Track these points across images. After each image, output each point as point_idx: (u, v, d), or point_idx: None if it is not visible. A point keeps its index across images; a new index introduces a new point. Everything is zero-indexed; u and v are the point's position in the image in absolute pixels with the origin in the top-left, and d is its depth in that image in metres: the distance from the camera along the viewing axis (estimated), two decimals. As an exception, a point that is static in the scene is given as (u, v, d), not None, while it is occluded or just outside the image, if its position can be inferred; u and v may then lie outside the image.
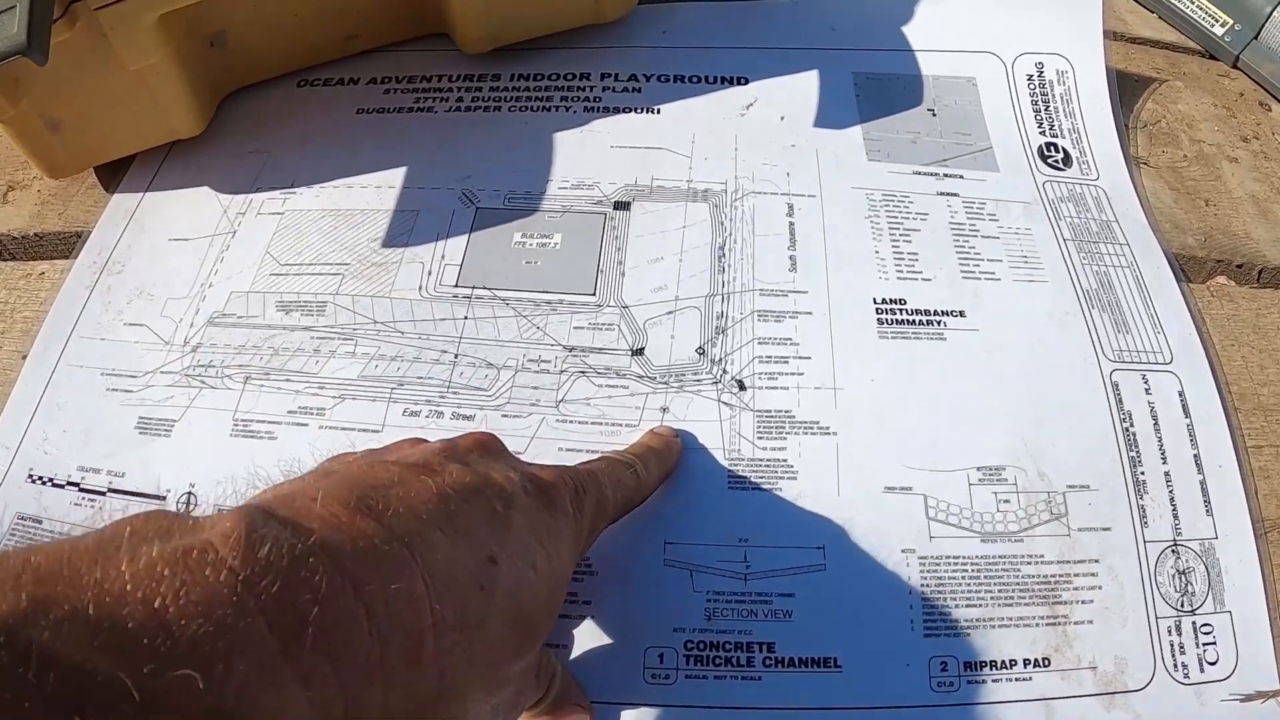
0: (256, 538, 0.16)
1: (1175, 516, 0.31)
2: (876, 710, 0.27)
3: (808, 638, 0.28)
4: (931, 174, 0.38)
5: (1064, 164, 0.39)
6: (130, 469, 0.32)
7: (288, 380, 0.33)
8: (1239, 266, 0.38)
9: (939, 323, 0.34)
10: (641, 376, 0.32)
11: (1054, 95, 0.41)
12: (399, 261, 0.35)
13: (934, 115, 0.39)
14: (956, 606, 0.29)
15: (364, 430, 0.32)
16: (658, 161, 0.38)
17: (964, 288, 0.35)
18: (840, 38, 0.42)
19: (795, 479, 0.30)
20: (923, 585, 0.29)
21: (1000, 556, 0.30)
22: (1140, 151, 0.41)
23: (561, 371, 0.33)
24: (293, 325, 0.34)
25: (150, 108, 0.38)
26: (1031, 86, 0.41)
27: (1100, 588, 0.30)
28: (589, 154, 0.39)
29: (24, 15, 0.29)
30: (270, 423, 0.32)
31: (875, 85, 0.40)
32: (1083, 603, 0.29)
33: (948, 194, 0.37)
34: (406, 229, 0.36)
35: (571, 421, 0.32)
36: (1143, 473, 0.31)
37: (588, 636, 0.28)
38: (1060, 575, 0.30)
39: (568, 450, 0.31)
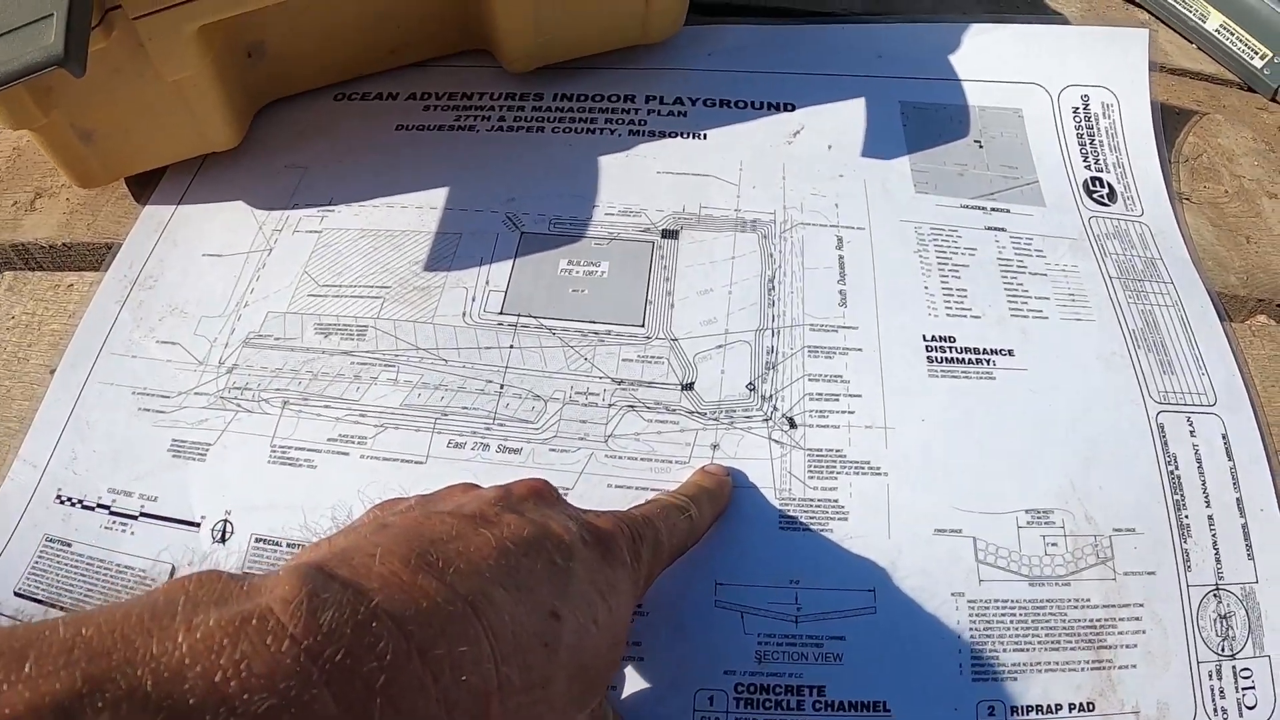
0: (318, 603, 0.15)
1: (1218, 561, 0.31)
2: (927, 756, 0.27)
3: (858, 681, 0.28)
4: (979, 208, 0.37)
5: (1109, 199, 0.38)
6: (163, 493, 0.31)
7: (327, 407, 0.32)
8: (1279, 306, 0.37)
9: (989, 361, 0.33)
10: (692, 412, 0.32)
11: (1099, 129, 0.40)
12: (442, 286, 0.34)
13: (981, 147, 0.38)
14: (1004, 650, 0.29)
15: (407, 461, 0.31)
16: (705, 189, 0.37)
17: (1012, 326, 0.34)
18: (887, 65, 0.41)
19: (846, 520, 0.30)
20: (971, 629, 0.29)
21: (1048, 600, 0.29)
22: (1182, 187, 0.40)
23: (610, 405, 0.32)
24: (332, 349, 0.33)
25: (186, 119, 0.36)
26: (1077, 119, 0.40)
27: (1144, 632, 0.29)
28: (635, 179, 0.37)
29: (61, 24, 0.27)
30: (310, 450, 0.31)
31: (922, 115, 0.39)
32: (1127, 647, 0.29)
33: (995, 229, 0.36)
34: (449, 252, 0.35)
35: (621, 457, 0.31)
36: (1186, 516, 0.31)
37: (638, 678, 0.27)
38: (1105, 620, 0.29)
39: (617, 487, 0.30)
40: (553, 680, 0.19)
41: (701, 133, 0.39)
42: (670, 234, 0.36)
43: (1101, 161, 0.39)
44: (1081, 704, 0.28)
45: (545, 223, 0.36)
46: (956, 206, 0.37)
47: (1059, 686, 0.28)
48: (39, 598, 0.30)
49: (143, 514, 0.31)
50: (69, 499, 0.31)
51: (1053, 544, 0.30)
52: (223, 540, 0.31)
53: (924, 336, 0.33)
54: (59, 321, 0.36)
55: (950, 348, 0.33)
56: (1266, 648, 0.29)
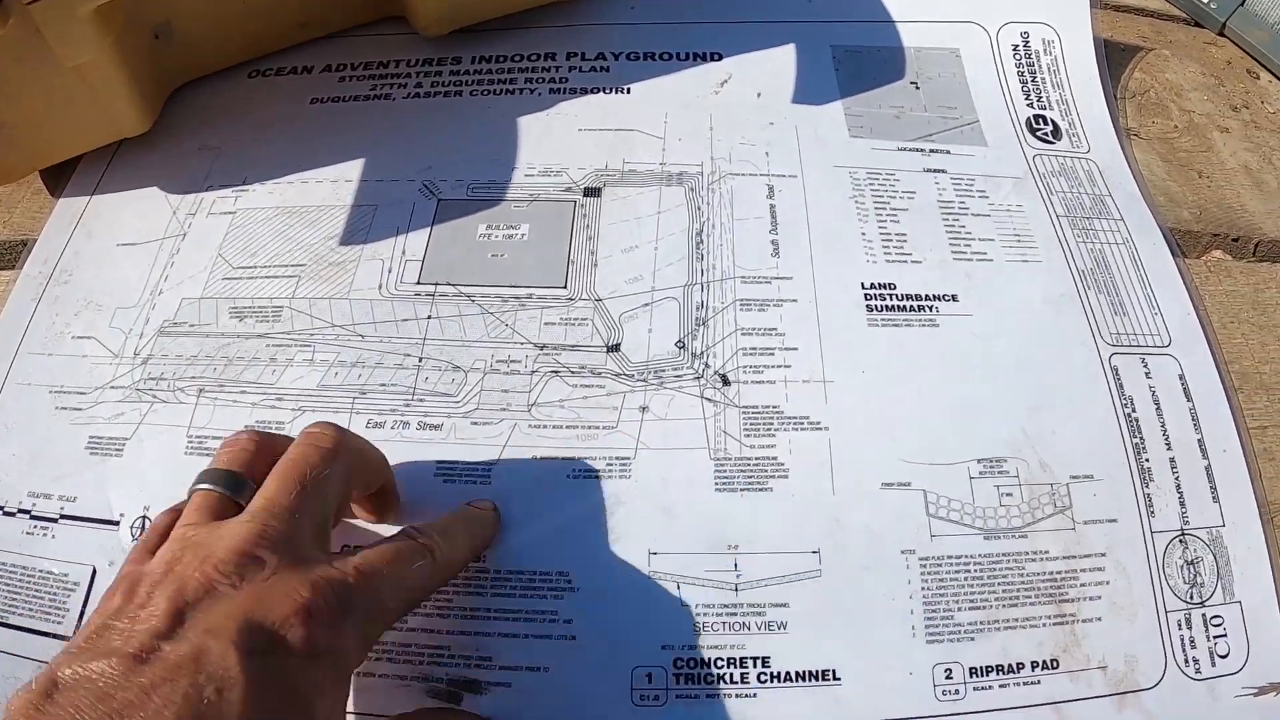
0: None
1: (1182, 505, 0.27)
2: (880, 725, 0.24)
3: (805, 649, 0.24)
4: (917, 149, 0.33)
5: (1053, 137, 0.35)
6: (82, 493, 0.28)
7: (243, 392, 0.29)
8: (1235, 240, 0.34)
9: (931, 308, 0.30)
10: (618, 374, 0.28)
11: (1040, 65, 0.37)
12: (357, 260, 0.31)
13: (917, 89, 0.35)
14: (960, 609, 0.25)
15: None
16: (629, 144, 0.33)
17: (955, 270, 0.30)
18: (817, 9, 0.37)
19: (786, 478, 0.26)
20: (924, 588, 0.25)
21: (1004, 554, 0.26)
22: (1130, 123, 0.37)
23: (533, 372, 0.28)
24: (247, 333, 0.30)
25: (93, 106, 0.32)
26: (1017, 57, 0.37)
27: (1108, 583, 0.26)
28: (556, 138, 0.34)
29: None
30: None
31: (855, 58, 0.36)
32: (1090, 599, 0.26)
33: (935, 170, 0.33)
34: (365, 225, 0.32)
35: (545, 426, 0.27)
36: (1147, 460, 0.28)
37: (570, 658, 0.24)
38: (1066, 571, 0.26)
39: (542, 458, 0.27)
40: None
41: (625, 87, 0.35)
42: (593, 192, 0.32)
43: (1045, 99, 0.36)
44: (1045, 661, 0.25)
45: (463, 188, 0.32)
46: (893, 150, 0.33)
47: (1020, 644, 0.25)
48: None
49: (63, 516, 0.28)
50: (-12, 505, 0.28)
51: (1007, 494, 0.27)
52: (141, 537, 0.27)
53: (862, 284, 0.30)
54: (-26, 323, 0.33)
55: (890, 295, 0.30)
56: (1237, 593, 0.26)
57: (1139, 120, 0.37)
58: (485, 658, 0.24)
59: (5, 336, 0.31)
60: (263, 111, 0.35)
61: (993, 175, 0.33)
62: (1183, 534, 0.27)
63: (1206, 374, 0.29)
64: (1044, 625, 0.25)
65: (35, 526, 0.28)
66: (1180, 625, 0.26)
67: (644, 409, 0.28)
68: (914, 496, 0.26)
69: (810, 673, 0.24)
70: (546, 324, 0.29)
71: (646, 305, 0.29)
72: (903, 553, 0.26)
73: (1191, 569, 0.27)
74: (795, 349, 0.28)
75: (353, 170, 0.33)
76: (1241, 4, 0.40)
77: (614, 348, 0.29)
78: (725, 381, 0.28)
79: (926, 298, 0.30)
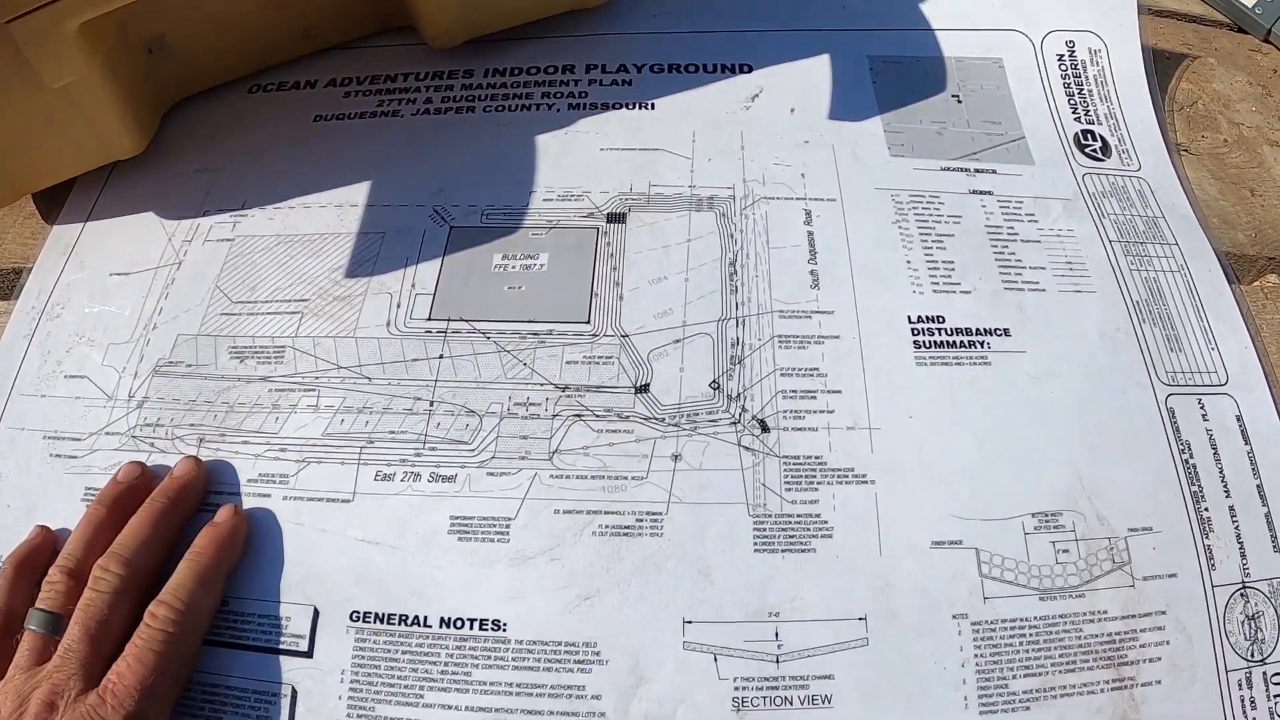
0: None
1: (1243, 556, 0.24)
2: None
3: (851, 724, 0.21)
4: (962, 169, 0.29)
5: (1103, 154, 0.31)
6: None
7: (245, 442, 0.25)
8: (1293, 262, 0.30)
9: (982, 344, 0.26)
10: (648, 418, 0.25)
11: (1087, 77, 0.32)
12: (363, 294, 0.27)
13: (959, 102, 0.31)
14: (1014, 677, 0.22)
15: (333, 500, 0.24)
16: (654, 165, 0.29)
17: (1007, 301, 0.27)
18: (852, 17, 0.33)
19: (831, 537, 0.23)
20: (977, 655, 0.22)
21: (1061, 616, 0.23)
22: (1180, 137, 0.33)
23: (554, 416, 0.25)
24: (248, 375, 0.26)
25: (82, 128, 0.28)
26: (1063, 67, 0.32)
27: (1168, 643, 0.23)
28: (576, 159, 0.30)
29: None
30: (228, 494, 0.24)
31: (893, 70, 0.31)
32: (1150, 661, 0.23)
33: (981, 192, 0.29)
34: (371, 255, 0.28)
35: (569, 476, 0.24)
36: (1206, 509, 0.24)
37: (598, 738, 0.21)
38: (1125, 632, 0.23)
39: (565, 512, 0.23)
40: None
41: (649, 102, 0.31)
42: (617, 218, 0.28)
43: (1092, 113, 0.32)
44: (1104, 728, 0.22)
45: (477, 214, 0.28)
46: (937, 169, 0.29)
47: (1077, 713, 0.22)
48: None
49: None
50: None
51: (1064, 550, 0.24)
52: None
53: (909, 318, 0.26)
54: (-36, 357, 0.29)
55: (939, 330, 0.26)
56: (1299, 649, 0.23)
57: (1188, 135, 0.33)
58: (507, 740, 0.21)
59: (-2, 376, 0.28)
60: (264, 130, 0.31)
61: (1041, 197, 0.29)
62: (1244, 587, 0.24)
63: (1265, 414, 0.26)
64: (1102, 691, 0.22)
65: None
66: (1240, 685, 0.23)
67: (676, 457, 0.24)
68: (966, 556, 0.23)
69: (859, 750, 0.21)
70: (568, 363, 0.25)
71: (677, 342, 0.26)
72: (954, 617, 0.22)
73: (1252, 624, 0.24)
74: (839, 392, 0.25)
75: (358, 194, 0.29)
76: (1291, 8, 0.36)
77: (643, 389, 0.25)
78: (764, 428, 0.24)
79: (977, 332, 0.26)
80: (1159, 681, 0.22)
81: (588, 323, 0.26)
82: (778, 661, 0.22)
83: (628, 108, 0.31)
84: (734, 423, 0.24)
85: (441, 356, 0.26)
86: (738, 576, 0.22)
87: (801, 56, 0.32)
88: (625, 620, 0.22)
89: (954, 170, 0.29)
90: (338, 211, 0.29)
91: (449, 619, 0.22)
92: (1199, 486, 0.25)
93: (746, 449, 0.24)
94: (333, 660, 0.22)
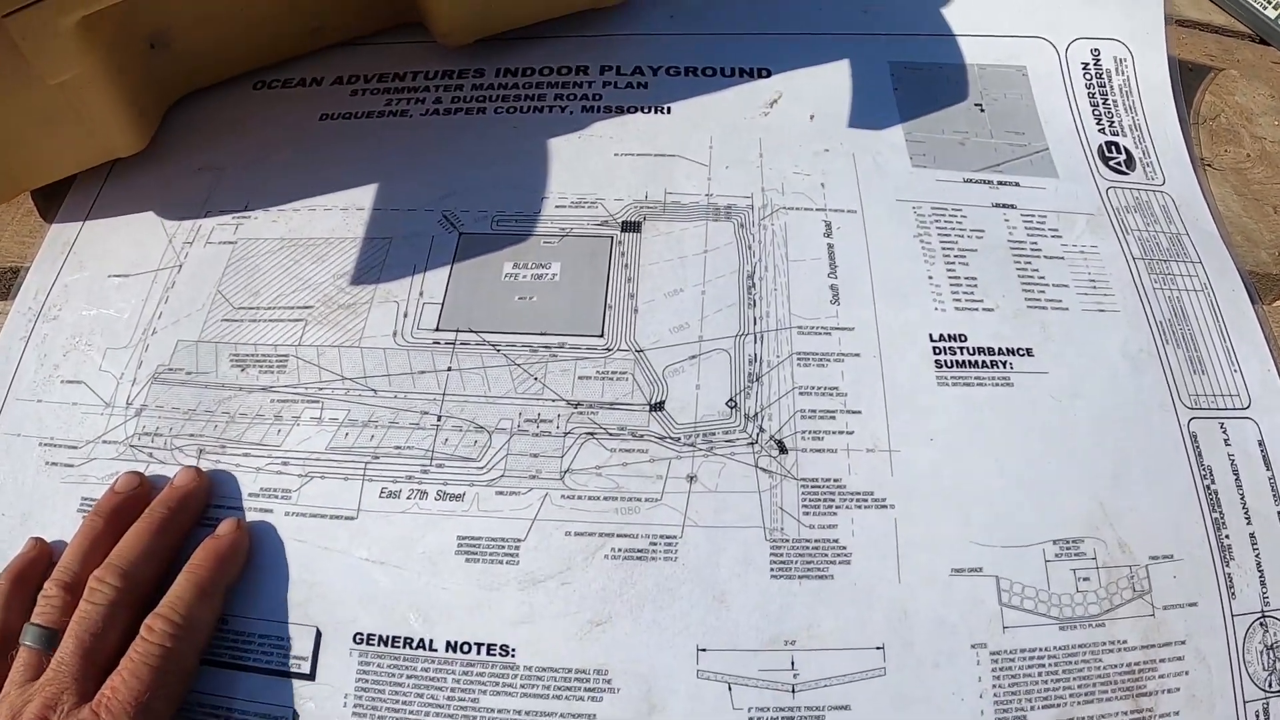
0: None
1: (1263, 584, 0.23)
2: None
3: (867, 756, 0.20)
4: (984, 181, 0.27)
5: (1127, 167, 0.29)
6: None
7: (246, 455, 0.23)
8: (1315, 282, 0.28)
9: (1005, 364, 0.24)
10: (663, 437, 0.23)
11: (1112, 86, 0.30)
12: (369, 302, 0.25)
13: (982, 111, 0.29)
14: (1033, 708, 0.21)
15: (336, 517, 0.22)
16: (670, 171, 0.27)
17: (1030, 319, 0.25)
18: (874, 21, 0.30)
19: (849, 563, 0.21)
20: (995, 685, 0.21)
21: (1080, 645, 0.21)
22: (1203, 151, 0.31)
23: (566, 434, 0.23)
24: (250, 385, 0.24)
25: (81, 125, 0.26)
26: (1088, 76, 0.30)
27: (1187, 673, 0.21)
28: (590, 163, 0.28)
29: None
30: (230, 509, 0.22)
31: (916, 77, 0.29)
32: (1169, 692, 0.21)
33: (1004, 205, 0.27)
34: (378, 261, 0.26)
35: (580, 497, 0.22)
36: (1227, 537, 0.23)
37: (608, 768, 0.20)
38: (1145, 663, 0.21)
39: (577, 534, 0.22)
40: None
41: (665, 106, 0.29)
42: (632, 226, 0.26)
43: (1117, 124, 0.30)
44: (1121, 759, 0.20)
45: (487, 220, 0.26)
46: (959, 181, 0.27)
47: (1095, 744, 0.20)
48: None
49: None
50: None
51: (1084, 578, 0.22)
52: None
53: (931, 336, 0.24)
54: (-41, 358, 0.27)
55: (961, 348, 0.24)
56: (1318, 680, 0.22)
57: (1212, 149, 0.31)
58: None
59: (-6, 379, 0.26)
60: (268, 128, 0.29)
61: (1065, 211, 0.27)
62: (1264, 616, 0.22)
63: (1287, 439, 0.24)
64: (1121, 722, 0.21)
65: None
66: (1258, 716, 0.21)
67: (692, 478, 0.22)
68: (986, 584, 0.21)
69: (874, 782, 0.20)
70: (581, 378, 0.24)
71: (694, 358, 0.24)
72: (973, 646, 0.21)
73: (1271, 654, 0.22)
74: (858, 412, 0.23)
75: (365, 197, 0.27)
76: (1315, 20, 0.34)
77: (657, 406, 0.23)
78: (782, 449, 0.23)
79: (1000, 352, 0.24)
80: (1177, 713, 0.21)
81: (601, 336, 0.24)
82: (793, 691, 0.20)
83: (643, 111, 0.29)
84: (751, 443, 0.23)
85: (450, 369, 0.24)
86: (753, 603, 0.21)
87: (821, 61, 0.29)
88: (637, 647, 0.20)
89: (977, 182, 0.27)
90: (343, 214, 0.27)
91: (455, 643, 0.21)
92: (1220, 513, 0.23)
93: (764, 470, 0.22)
94: (336, 684, 0.20)
